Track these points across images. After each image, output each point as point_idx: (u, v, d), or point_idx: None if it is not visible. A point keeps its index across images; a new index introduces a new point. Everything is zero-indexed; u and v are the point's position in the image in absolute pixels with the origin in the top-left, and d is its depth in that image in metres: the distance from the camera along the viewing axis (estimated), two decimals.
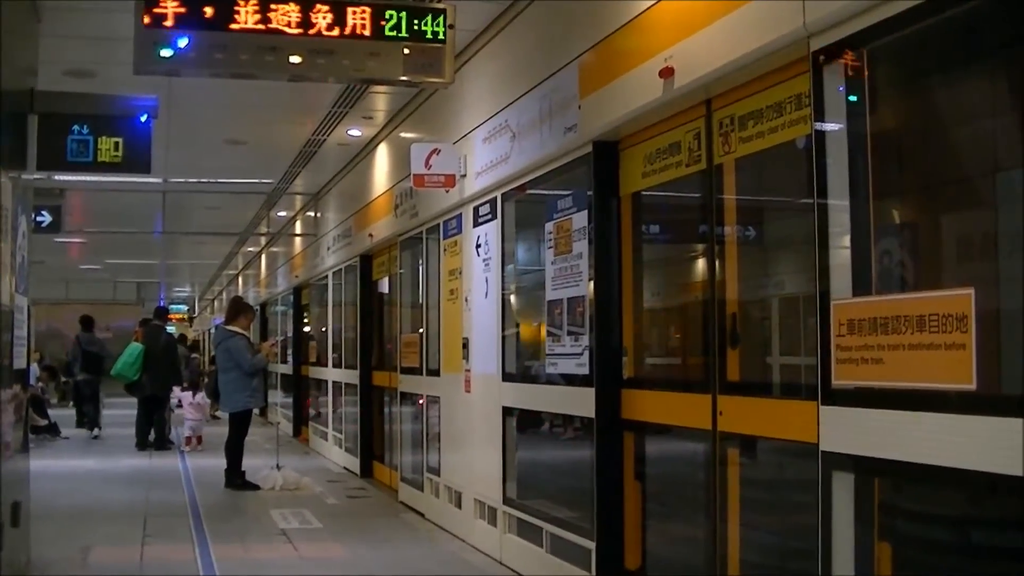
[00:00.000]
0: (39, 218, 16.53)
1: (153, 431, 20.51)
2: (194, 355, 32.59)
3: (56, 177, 15.54)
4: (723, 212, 6.59)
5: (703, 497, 6.69)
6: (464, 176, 10.73)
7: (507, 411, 9.68)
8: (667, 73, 6.54)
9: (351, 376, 17.40)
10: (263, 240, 28.09)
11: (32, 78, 9.18)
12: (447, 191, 11.07)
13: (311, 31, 7.76)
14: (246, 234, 26.78)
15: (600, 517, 7.76)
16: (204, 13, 7.69)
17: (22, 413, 9.22)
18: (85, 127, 9.32)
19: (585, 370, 7.97)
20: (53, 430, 22.42)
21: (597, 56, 7.72)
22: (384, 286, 16.24)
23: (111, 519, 12.42)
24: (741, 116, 6.24)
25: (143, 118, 9.46)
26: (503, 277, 9.84)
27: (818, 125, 5.28)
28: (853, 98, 5.19)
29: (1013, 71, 4.59)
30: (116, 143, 9.39)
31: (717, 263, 6.57)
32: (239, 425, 15.02)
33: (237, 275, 37.69)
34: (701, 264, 6.94)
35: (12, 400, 8.37)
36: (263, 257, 30.58)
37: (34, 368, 22.19)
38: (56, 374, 33.17)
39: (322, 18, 7.76)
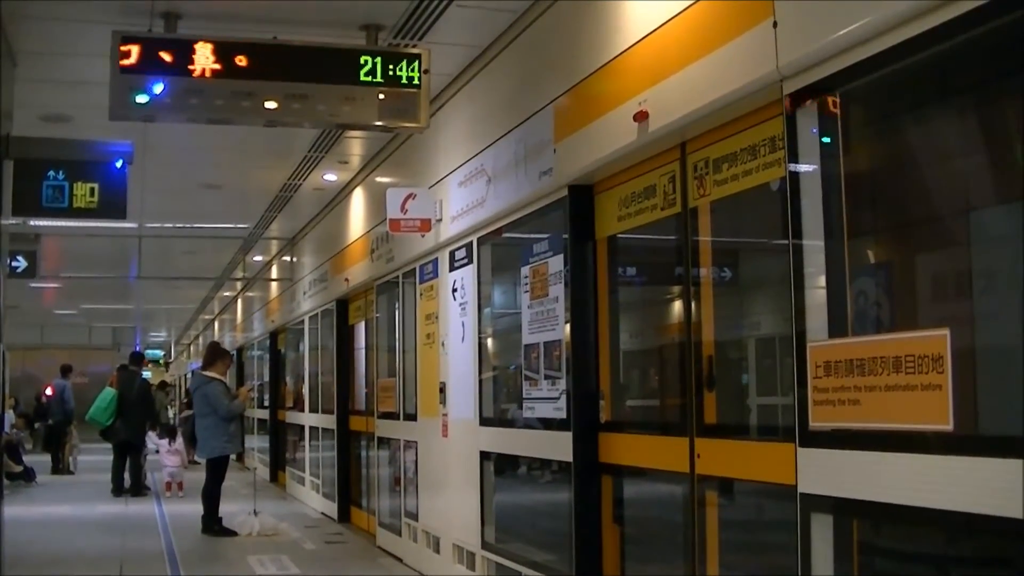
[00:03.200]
0: (14, 263, 16.45)
1: (129, 477, 20.40)
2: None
3: (31, 222, 15.49)
4: (699, 255, 6.59)
5: (681, 540, 6.67)
6: (440, 220, 10.74)
7: (484, 455, 9.66)
8: (641, 117, 6.56)
9: (328, 421, 17.35)
10: (239, 285, 28.05)
11: (7, 123, 9.17)
12: (423, 235, 11.07)
13: (288, 77, 7.79)
14: (222, 279, 26.74)
15: (579, 561, 7.73)
16: (179, 59, 7.71)
17: None
18: (61, 173, 9.30)
19: (562, 414, 7.95)
20: (28, 476, 22.32)
21: (572, 100, 7.75)
22: (360, 331, 16.22)
23: (86, 565, 12.34)
24: (715, 159, 6.26)
25: (119, 164, 9.45)
26: (479, 321, 9.83)
27: (792, 167, 5.30)
28: (827, 140, 5.21)
29: (985, 112, 4.63)
30: (92, 188, 9.37)
31: (693, 305, 6.56)
32: (216, 471, 14.95)
33: (213, 320, 37.60)
34: (677, 307, 6.94)
35: None
36: (239, 302, 30.52)
37: (8, 414, 22.11)
38: (31, 420, 33.05)
39: (298, 63, 7.79)
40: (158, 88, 7.68)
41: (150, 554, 13.15)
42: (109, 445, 20.81)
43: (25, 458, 23.41)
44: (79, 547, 13.82)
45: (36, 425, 32.17)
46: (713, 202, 6.36)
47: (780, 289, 5.51)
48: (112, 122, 7.87)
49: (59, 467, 25.43)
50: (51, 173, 9.30)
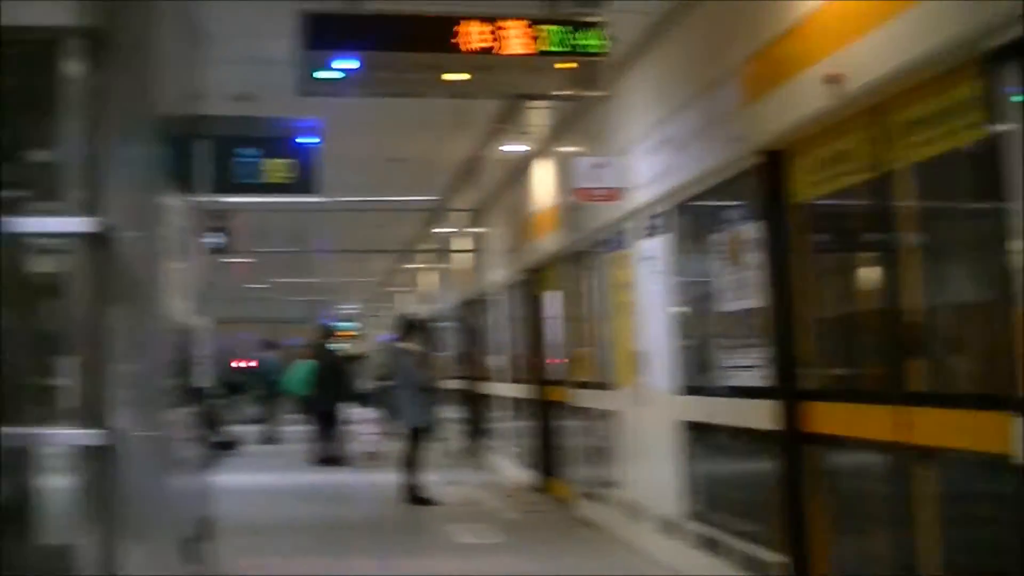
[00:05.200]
0: (211, 239, 16.78)
1: (327, 447, 20.74)
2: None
3: (221, 199, 15.80)
4: (897, 219, 6.41)
5: (889, 511, 6.52)
6: (628, 189, 10.66)
7: (683, 424, 9.58)
8: (834, 79, 6.41)
9: (522, 390, 17.38)
10: (426, 256, 28.30)
11: (199, 103, 9.31)
12: (611, 204, 11.00)
13: (469, 49, 7.77)
14: (408, 250, 26.99)
15: (787, 530, 7.63)
16: (363, 34, 7.75)
17: (203, 430, 9.36)
18: (253, 150, 9.42)
19: (762, 382, 7.85)
20: (231, 445, 22.79)
21: (760, 64, 7.61)
22: (551, 300, 16.21)
23: (289, 533, 12.61)
24: (912, 121, 6.08)
25: (311, 140, 9.53)
26: (673, 289, 9.74)
27: (993, 127, 5.12)
28: None
29: None
30: (285, 165, 9.47)
31: (894, 271, 6.40)
32: (415, 440, 15.13)
33: (403, 291, 37.99)
34: (877, 272, 6.77)
35: (192, 417, 8.49)
36: (428, 274, 30.78)
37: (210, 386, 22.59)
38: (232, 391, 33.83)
39: (480, 35, 7.77)
40: (342, 64, 7.72)
41: (349, 522, 13.36)
42: (308, 415, 21.21)
43: (228, 428, 23.89)
44: (281, 514, 14.11)
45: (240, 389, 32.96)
46: (911, 165, 6.18)
47: (985, 253, 5.35)
48: (295, 99, 7.93)
49: (265, 437, 25.97)
50: (243, 151, 9.42)
